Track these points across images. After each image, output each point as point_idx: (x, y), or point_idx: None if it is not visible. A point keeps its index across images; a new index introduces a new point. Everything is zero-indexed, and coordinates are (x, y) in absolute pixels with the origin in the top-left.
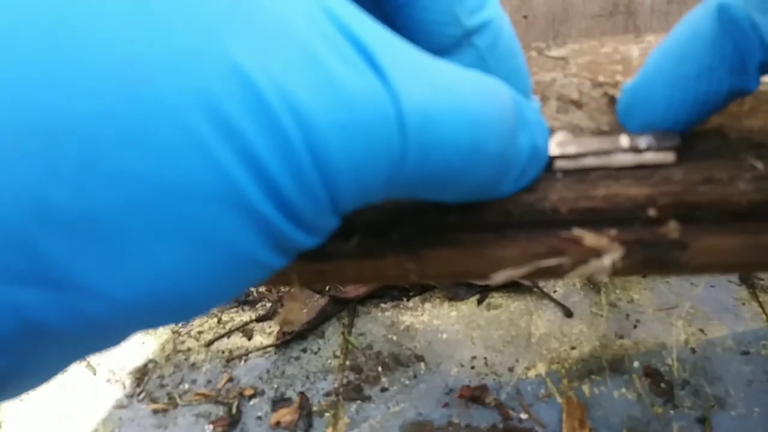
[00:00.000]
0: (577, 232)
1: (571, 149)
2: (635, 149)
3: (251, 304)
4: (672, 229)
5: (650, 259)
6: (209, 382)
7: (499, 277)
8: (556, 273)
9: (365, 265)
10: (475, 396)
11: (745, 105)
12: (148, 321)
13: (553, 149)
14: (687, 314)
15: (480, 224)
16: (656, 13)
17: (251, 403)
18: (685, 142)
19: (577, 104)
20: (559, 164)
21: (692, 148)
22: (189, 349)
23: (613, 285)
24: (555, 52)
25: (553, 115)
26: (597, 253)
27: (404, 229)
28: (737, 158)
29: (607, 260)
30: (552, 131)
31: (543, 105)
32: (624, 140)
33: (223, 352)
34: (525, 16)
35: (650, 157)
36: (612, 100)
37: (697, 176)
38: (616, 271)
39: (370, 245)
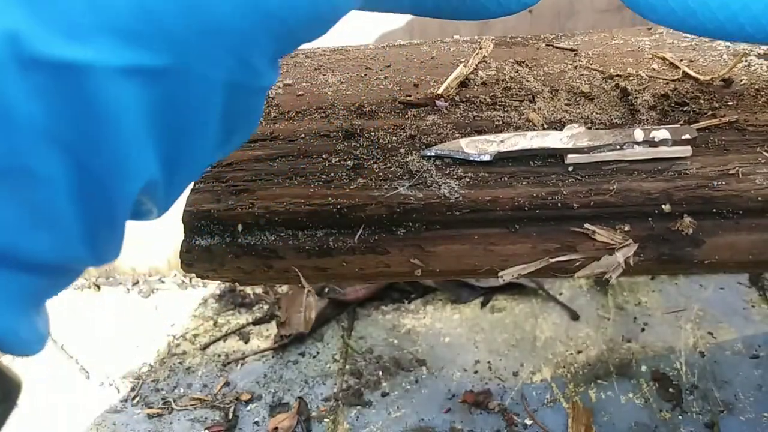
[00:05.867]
0: (589, 227)
1: (584, 142)
2: (650, 142)
3: (248, 306)
4: (686, 224)
5: (664, 255)
6: (205, 386)
7: (509, 273)
8: (568, 270)
9: (369, 261)
10: (478, 401)
11: (761, 98)
12: None
13: (565, 142)
14: (696, 317)
15: (489, 219)
16: None
17: (248, 408)
18: (700, 136)
19: (588, 97)
20: (571, 158)
21: (707, 141)
22: (184, 353)
23: (620, 287)
24: (564, 44)
25: (563, 108)
26: (609, 249)
27: (410, 224)
28: (753, 152)
29: (619, 256)
30: (562, 124)
31: (552, 97)
32: (638, 133)
33: (219, 355)
34: (530, 10)
35: (665, 150)
36: (624, 93)
37: (712, 171)
38: (628, 268)
39: (374, 240)
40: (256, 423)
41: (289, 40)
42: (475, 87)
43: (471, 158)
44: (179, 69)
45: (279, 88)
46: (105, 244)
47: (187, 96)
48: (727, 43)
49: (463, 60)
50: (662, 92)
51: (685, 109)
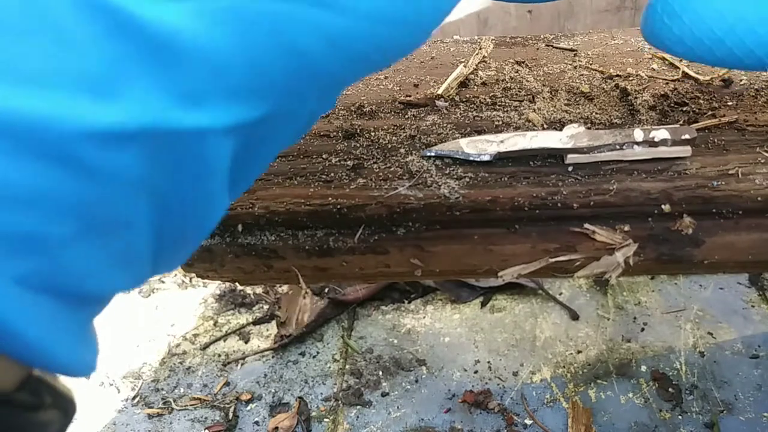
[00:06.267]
0: (589, 227)
1: (584, 142)
2: (650, 142)
3: (248, 306)
4: (686, 224)
5: (664, 255)
6: (205, 386)
7: (508, 273)
8: (567, 270)
9: (369, 261)
10: (478, 401)
11: (760, 98)
12: (386, 37)
13: (565, 142)
14: (695, 317)
15: (489, 219)
16: None
17: (248, 408)
18: (700, 136)
19: (588, 97)
20: (571, 158)
21: (707, 141)
22: (184, 353)
23: (620, 287)
24: (564, 44)
25: (563, 108)
26: (609, 249)
27: (410, 224)
28: (753, 152)
29: (619, 256)
30: (562, 124)
31: (552, 98)
32: (638, 133)
33: (219, 355)
34: (530, 11)
35: (665, 150)
36: (624, 93)
37: (712, 170)
38: (628, 268)
39: (374, 240)
40: (257, 423)
41: (365, 75)
42: (475, 87)
43: (471, 158)
44: (272, 115)
45: None
46: (169, 268)
47: (270, 134)
48: None
49: (463, 60)
50: (662, 92)
51: (684, 109)
